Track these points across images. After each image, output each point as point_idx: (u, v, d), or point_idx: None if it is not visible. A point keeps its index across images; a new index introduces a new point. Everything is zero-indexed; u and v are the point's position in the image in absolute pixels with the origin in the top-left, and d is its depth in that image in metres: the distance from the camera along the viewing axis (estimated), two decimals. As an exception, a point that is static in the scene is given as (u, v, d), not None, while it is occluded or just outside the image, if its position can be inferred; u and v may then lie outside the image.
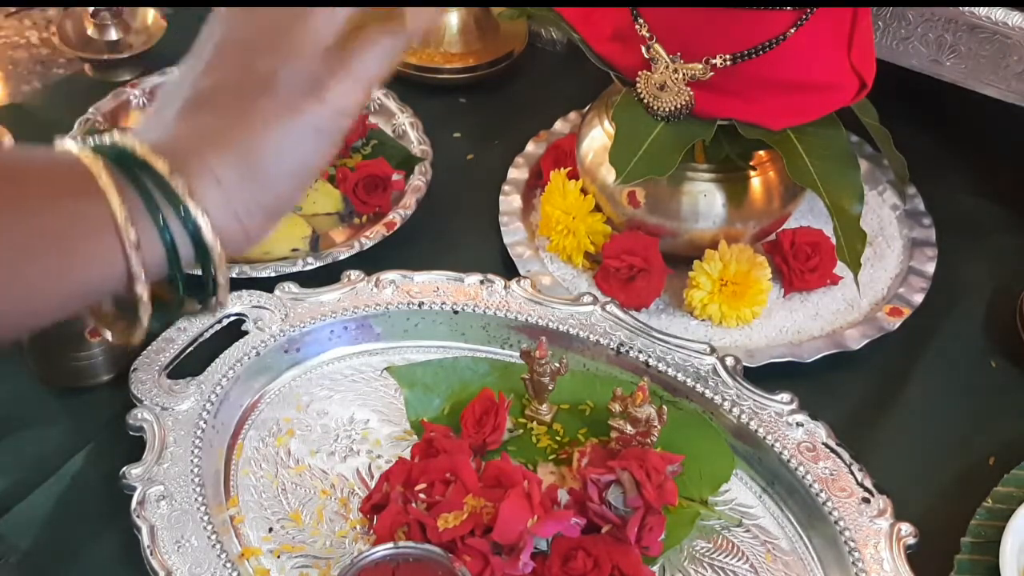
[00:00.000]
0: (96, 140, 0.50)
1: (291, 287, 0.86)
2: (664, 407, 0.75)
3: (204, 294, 0.53)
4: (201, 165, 0.50)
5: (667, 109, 0.83)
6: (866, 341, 0.87)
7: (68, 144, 0.49)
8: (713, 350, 0.83)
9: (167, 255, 0.50)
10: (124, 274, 0.49)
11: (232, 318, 0.84)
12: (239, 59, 0.53)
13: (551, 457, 0.79)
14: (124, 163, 0.49)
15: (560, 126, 1.05)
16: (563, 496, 0.73)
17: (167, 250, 0.50)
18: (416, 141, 1.03)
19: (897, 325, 0.89)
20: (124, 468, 0.73)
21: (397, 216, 0.95)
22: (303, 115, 0.52)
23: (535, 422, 0.81)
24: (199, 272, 0.52)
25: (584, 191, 0.92)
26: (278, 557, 0.73)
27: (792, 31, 0.81)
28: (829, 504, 0.75)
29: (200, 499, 0.72)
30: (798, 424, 0.79)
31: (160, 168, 0.49)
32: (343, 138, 0.54)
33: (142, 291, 0.50)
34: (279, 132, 0.52)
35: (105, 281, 0.50)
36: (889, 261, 0.96)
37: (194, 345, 0.82)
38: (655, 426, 0.75)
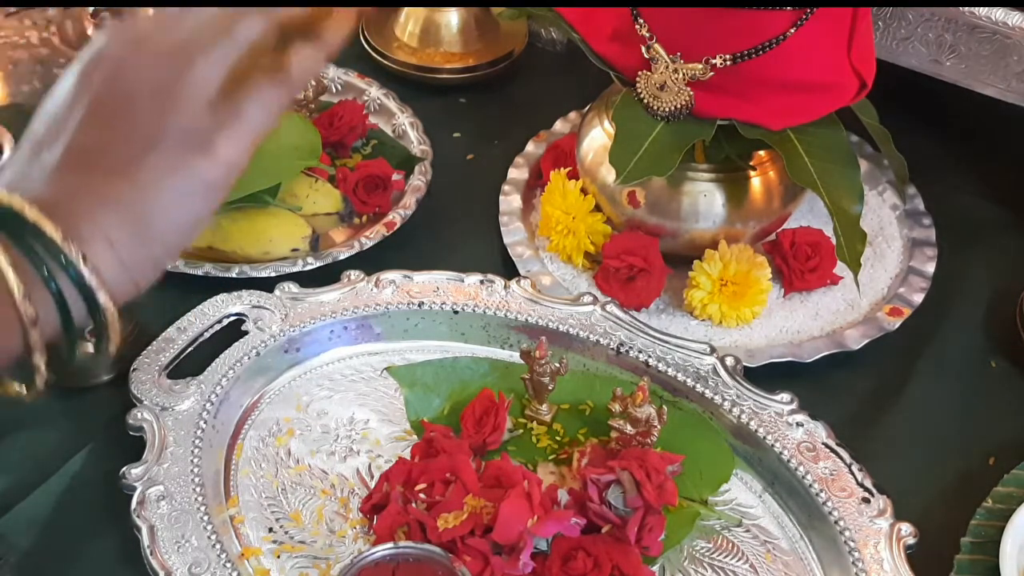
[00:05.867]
0: None
1: (291, 287, 0.86)
2: (664, 407, 0.75)
3: (96, 344, 0.53)
4: (93, 227, 0.50)
5: (667, 109, 0.83)
6: (866, 341, 0.87)
7: None
8: (713, 350, 0.83)
9: (61, 320, 0.50)
10: (20, 345, 0.49)
11: (232, 318, 0.84)
12: (123, 114, 0.52)
13: (551, 457, 0.79)
14: (13, 226, 0.49)
15: (560, 126, 1.05)
16: (563, 496, 0.73)
17: (62, 316, 0.50)
18: (416, 141, 1.03)
19: (897, 325, 0.89)
20: (124, 468, 0.73)
21: (397, 216, 0.95)
22: (192, 170, 0.52)
23: (535, 422, 0.81)
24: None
25: (584, 191, 0.92)
26: (278, 557, 0.73)
27: (792, 31, 0.81)
28: (829, 504, 0.75)
29: (200, 499, 0.72)
30: (798, 424, 0.79)
31: (52, 233, 0.49)
32: (230, 188, 0.54)
33: (39, 361, 0.50)
34: (169, 189, 0.52)
35: (1, 354, 0.50)
36: (889, 261, 0.96)
37: (194, 345, 0.82)
38: (655, 426, 0.75)
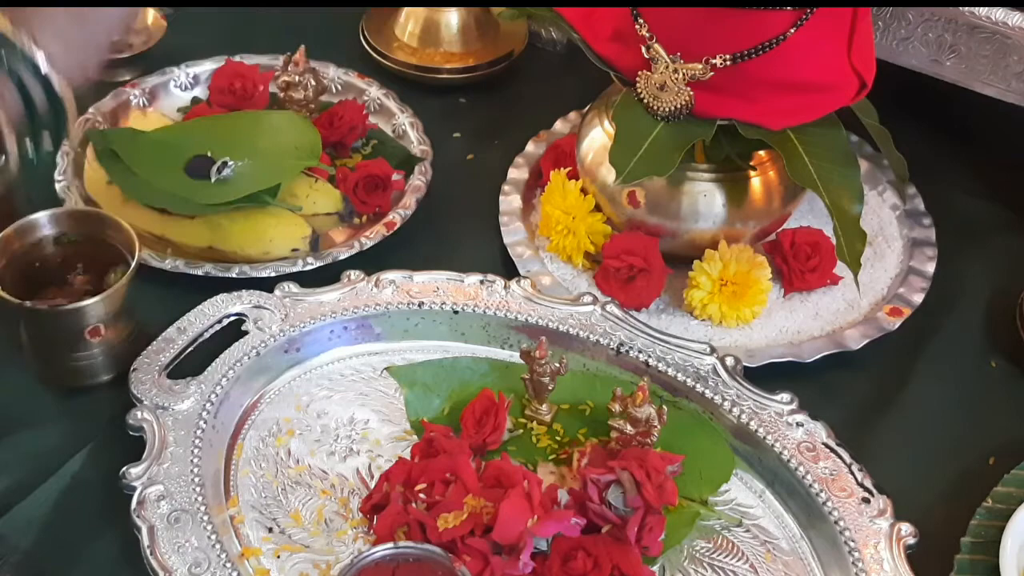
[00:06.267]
0: None
1: (291, 287, 0.86)
2: (664, 407, 0.75)
3: (54, 134, 0.60)
4: (42, 21, 0.56)
5: (667, 109, 0.83)
6: (866, 341, 0.87)
7: None
8: (713, 350, 0.83)
9: (25, 107, 0.57)
10: None
11: (232, 318, 0.84)
12: None
13: (551, 457, 0.79)
14: None
15: (560, 126, 1.05)
16: (563, 496, 0.73)
17: (25, 102, 0.56)
18: (416, 141, 1.03)
19: (897, 325, 0.89)
20: (124, 468, 0.73)
21: (397, 216, 0.95)
22: None
23: (535, 422, 0.81)
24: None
25: (584, 191, 0.92)
26: (278, 557, 0.73)
27: (792, 31, 0.81)
28: (829, 504, 0.75)
29: (200, 499, 0.72)
30: (798, 424, 0.79)
31: (3, 27, 0.55)
32: None
33: (12, 145, 0.57)
34: None
35: None
36: (889, 261, 0.96)
37: (194, 345, 0.82)
38: (655, 426, 0.75)
